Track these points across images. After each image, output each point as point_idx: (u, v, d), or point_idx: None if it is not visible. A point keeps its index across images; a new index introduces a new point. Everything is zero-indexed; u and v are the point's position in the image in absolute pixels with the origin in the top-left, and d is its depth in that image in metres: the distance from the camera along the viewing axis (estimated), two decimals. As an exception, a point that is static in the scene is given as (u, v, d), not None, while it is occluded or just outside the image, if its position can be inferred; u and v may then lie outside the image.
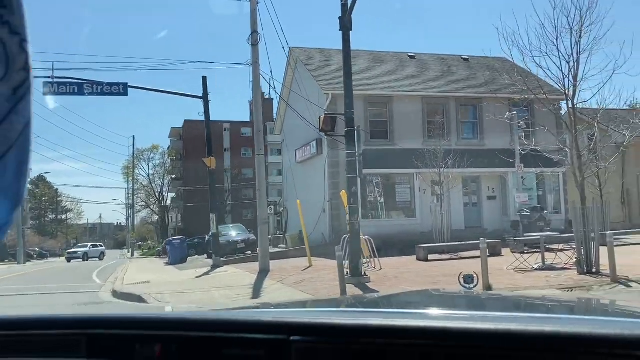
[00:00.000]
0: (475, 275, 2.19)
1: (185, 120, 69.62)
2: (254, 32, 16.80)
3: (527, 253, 13.77)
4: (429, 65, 26.71)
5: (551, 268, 13.01)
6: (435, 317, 1.33)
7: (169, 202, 76.08)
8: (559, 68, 12.58)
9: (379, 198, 22.58)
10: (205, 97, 21.74)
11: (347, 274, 12.09)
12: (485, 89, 23.21)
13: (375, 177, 22.45)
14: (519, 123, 20.27)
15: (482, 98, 23.59)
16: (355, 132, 12.86)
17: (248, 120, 65.84)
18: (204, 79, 21.98)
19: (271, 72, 56.05)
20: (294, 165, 27.16)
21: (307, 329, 1.01)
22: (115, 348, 1.18)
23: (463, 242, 17.49)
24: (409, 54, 28.02)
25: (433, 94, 24.03)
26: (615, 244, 17.70)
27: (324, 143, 22.38)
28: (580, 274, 11.88)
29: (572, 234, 12.72)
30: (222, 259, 20.69)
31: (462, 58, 28.11)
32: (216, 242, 21.35)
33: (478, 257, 13.26)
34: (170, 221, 72.62)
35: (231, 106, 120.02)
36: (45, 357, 1.20)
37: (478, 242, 14.37)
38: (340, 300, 2.91)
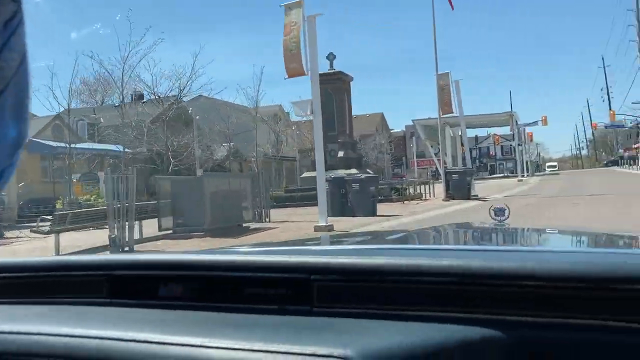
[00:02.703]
0: (506, 207, 2.11)
1: None
2: None
3: None
4: None
5: None
6: (455, 254, 1.36)
7: None
8: None
9: None
10: None
11: None
12: None
13: None
14: None
15: None
16: None
17: None
18: None
19: None
20: None
21: (328, 269, 1.02)
22: (137, 289, 1.14)
23: None
24: None
25: None
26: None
27: None
28: None
29: None
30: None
31: None
32: None
33: None
34: None
35: None
36: (68, 298, 1.17)
37: None
38: (368, 237, 2.64)
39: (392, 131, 70.85)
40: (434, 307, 0.92)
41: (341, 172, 20.95)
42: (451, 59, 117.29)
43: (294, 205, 20.92)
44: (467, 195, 21.41)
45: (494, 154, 78.18)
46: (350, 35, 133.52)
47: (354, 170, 22.28)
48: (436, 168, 32.12)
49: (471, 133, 74.99)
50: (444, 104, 23.36)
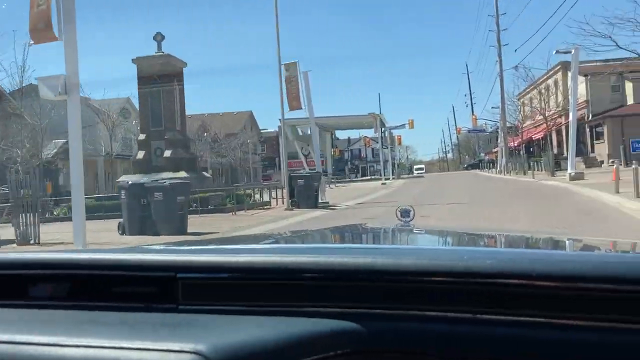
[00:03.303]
0: (412, 209, 2.16)
1: None
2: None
3: None
4: None
5: None
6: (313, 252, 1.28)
7: None
8: None
9: None
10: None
11: None
12: None
13: None
14: None
15: None
16: None
17: None
18: None
19: None
20: None
21: (193, 267, 1.05)
22: (7, 289, 1.11)
23: None
24: None
25: None
26: None
27: None
28: None
29: None
30: None
31: None
32: None
33: None
34: None
35: None
36: None
37: None
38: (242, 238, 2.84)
39: (264, 131, 67.87)
40: (296, 302, 0.94)
41: (165, 176, 17.23)
42: (322, 60, 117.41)
43: (104, 216, 16.92)
44: (314, 204, 18.73)
45: (364, 156, 78.17)
46: (217, 27, 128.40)
47: (183, 174, 18.67)
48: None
49: (344, 135, 74.59)
50: (292, 98, 20.52)
